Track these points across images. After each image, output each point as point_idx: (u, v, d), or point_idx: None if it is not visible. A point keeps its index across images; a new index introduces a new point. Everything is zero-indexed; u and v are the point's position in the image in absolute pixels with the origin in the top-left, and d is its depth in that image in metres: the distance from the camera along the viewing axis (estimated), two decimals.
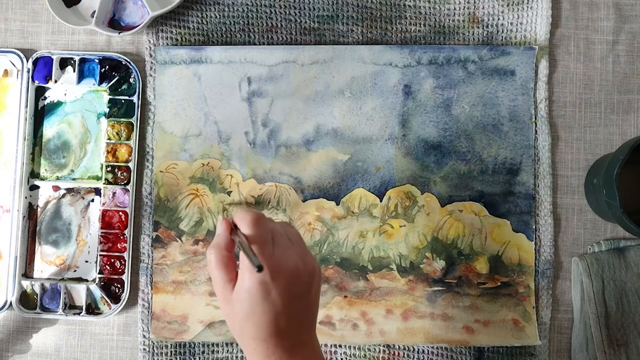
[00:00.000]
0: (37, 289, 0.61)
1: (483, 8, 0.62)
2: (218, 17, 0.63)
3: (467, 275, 0.60)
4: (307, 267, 0.44)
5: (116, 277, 0.61)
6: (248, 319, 0.43)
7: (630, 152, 0.53)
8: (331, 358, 0.61)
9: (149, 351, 0.61)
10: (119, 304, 0.60)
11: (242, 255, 0.43)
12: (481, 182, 0.61)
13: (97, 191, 0.62)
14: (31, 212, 0.62)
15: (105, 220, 0.61)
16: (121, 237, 0.61)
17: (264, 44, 0.63)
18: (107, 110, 0.62)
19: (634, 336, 0.58)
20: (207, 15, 0.63)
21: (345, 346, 0.61)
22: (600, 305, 0.58)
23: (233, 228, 0.46)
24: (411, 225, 0.61)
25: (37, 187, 0.62)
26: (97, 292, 0.61)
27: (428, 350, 0.60)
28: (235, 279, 0.44)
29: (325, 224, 0.61)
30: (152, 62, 0.62)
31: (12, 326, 0.62)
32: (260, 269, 0.41)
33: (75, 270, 0.62)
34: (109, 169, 0.61)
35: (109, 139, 0.62)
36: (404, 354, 0.60)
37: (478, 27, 0.62)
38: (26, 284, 0.61)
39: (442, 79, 0.61)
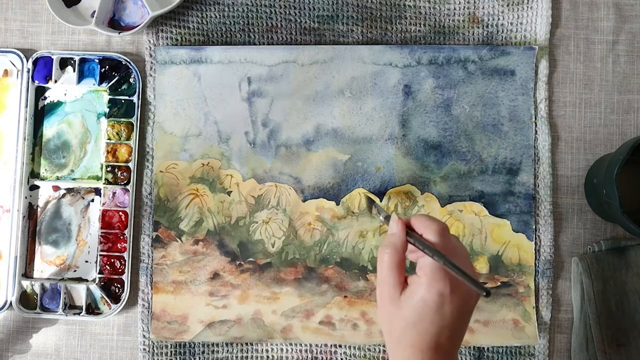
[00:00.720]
0: (37, 289, 0.61)
1: (483, 8, 0.62)
2: (218, 17, 0.63)
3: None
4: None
5: (116, 277, 0.61)
6: (414, 326, 0.43)
7: (630, 152, 0.53)
8: (331, 358, 0.61)
9: (149, 351, 0.61)
10: (119, 304, 0.60)
11: (423, 261, 0.43)
12: (481, 182, 0.61)
13: (97, 191, 0.62)
14: (31, 212, 0.62)
15: (105, 220, 0.61)
16: (121, 237, 0.61)
17: (264, 44, 0.63)
18: (107, 110, 0.62)
19: (634, 336, 0.58)
20: (207, 15, 0.63)
21: (345, 346, 0.61)
22: (600, 305, 0.58)
23: (408, 230, 0.45)
24: None
25: (37, 187, 0.62)
26: (97, 292, 0.61)
27: None
28: (404, 283, 0.44)
29: (325, 224, 0.61)
30: (152, 62, 0.62)
31: (12, 326, 0.62)
32: (488, 294, 0.40)
33: (75, 270, 0.62)
34: (109, 169, 0.61)
35: (109, 139, 0.62)
36: None
37: (478, 27, 0.62)
38: (26, 284, 0.61)
39: (442, 79, 0.61)
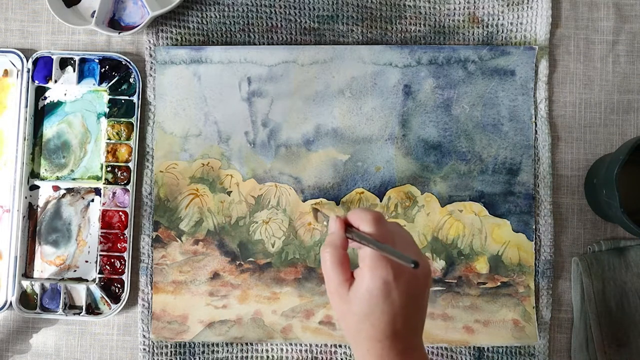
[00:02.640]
0: (37, 289, 0.61)
1: (483, 8, 0.62)
2: (218, 17, 0.63)
3: (467, 275, 0.60)
4: (423, 268, 0.44)
5: (116, 277, 0.61)
6: (366, 318, 0.43)
7: (630, 152, 0.53)
8: (331, 358, 0.61)
9: (149, 351, 0.61)
10: (119, 304, 0.60)
11: (363, 253, 0.43)
12: (481, 182, 0.61)
13: (97, 191, 0.62)
14: (31, 212, 0.62)
15: (105, 220, 0.61)
16: (121, 237, 0.61)
17: (264, 44, 0.63)
18: (107, 110, 0.62)
19: (634, 336, 0.58)
20: (207, 15, 0.63)
21: (345, 346, 0.61)
22: (600, 305, 0.58)
23: (347, 227, 0.45)
24: (411, 225, 0.61)
25: (37, 187, 0.62)
26: (97, 292, 0.61)
27: (428, 350, 0.60)
28: (351, 279, 0.44)
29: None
30: (152, 62, 0.62)
31: (12, 326, 0.62)
32: (416, 265, 0.40)
33: (75, 270, 0.62)
34: (109, 169, 0.61)
35: (109, 139, 0.62)
36: None
37: (478, 27, 0.62)
38: (26, 284, 0.61)
39: (442, 79, 0.61)
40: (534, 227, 0.61)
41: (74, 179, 0.63)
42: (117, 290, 0.61)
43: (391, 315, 0.42)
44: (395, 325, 0.43)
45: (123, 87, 0.62)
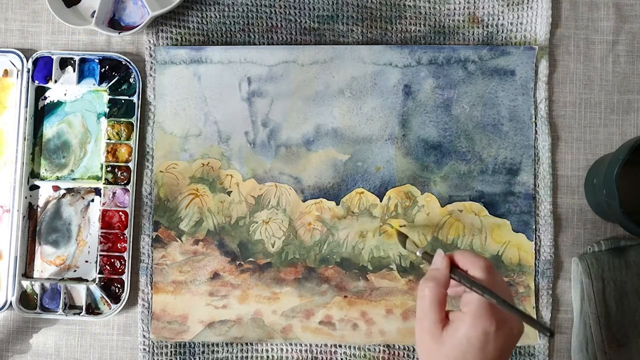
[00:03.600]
0: (37, 289, 0.61)
1: (483, 8, 0.62)
2: (218, 17, 0.63)
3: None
4: (519, 325, 0.43)
5: (116, 277, 0.61)
6: None
7: (630, 152, 0.53)
8: (331, 358, 0.61)
9: (149, 351, 0.61)
10: (119, 304, 0.60)
11: (467, 297, 0.42)
12: (481, 182, 0.61)
13: (97, 191, 0.62)
14: (31, 212, 0.62)
15: (105, 220, 0.61)
16: (121, 237, 0.61)
17: (264, 44, 0.63)
18: (107, 110, 0.62)
19: (634, 336, 0.58)
20: (207, 15, 0.63)
21: (345, 346, 0.61)
22: (600, 305, 0.58)
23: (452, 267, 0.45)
24: (411, 225, 0.61)
25: (37, 187, 0.62)
26: (97, 292, 0.61)
27: None
28: (445, 319, 0.43)
29: (325, 224, 0.61)
30: (152, 62, 0.62)
31: (12, 326, 0.62)
32: (552, 334, 0.40)
33: (75, 270, 0.62)
34: (109, 169, 0.61)
35: (109, 139, 0.62)
36: (404, 354, 0.60)
37: (478, 27, 0.62)
38: (26, 284, 0.61)
39: (442, 79, 0.61)
40: (534, 227, 0.61)
41: (74, 179, 0.63)
42: (117, 290, 0.61)
43: None
44: None
45: (123, 87, 0.62)
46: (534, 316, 0.60)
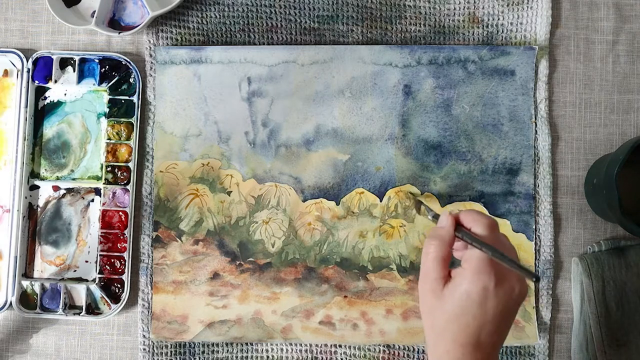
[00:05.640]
0: (37, 289, 0.61)
1: (483, 8, 0.62)
2: (218, 17, 0.63)
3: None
4: (522, 286, 0.44)
5: (116, 277, 0.61)
6: (456, 319, 0.43)
7: (630, 152, 0.53)
8: (331, 358, 0.61)
9: (149, 351, 0.61)
10: (119, 304, 0.60)
11: (468, 254, 0.43)
12: (481, 182, 0.61)
13: (97, 191, 0.62)
14: (31, 212, 0.62)
15: (105, 220, 0.61)
16: (121, 237, 0.61)
17: (264, 44, 0.63)
18: (107, 110, 0.62)
19: (634, 336, 0.58)
20: (207, 15, 0.63)
21: (345, 346, 0.61)
22: (600, 305, 0.58)
23: (457, 225, 0.46)
24: (411, 225, 0.61)
25: (37, 187, 0.62)
26: (97, 292, 0.61)
27: None
28: (447, 277, 0.44)
29: (325, 224, 0.61)
30: (152, 62, 0.62)
31: (12, 326, 0.62)
32: (538, 279, 0.40)
33: (75, 270, 0.62)
34: (109, 169, 0.61)
35: (109, 139, 0.62)
36: (404, 354, 0.60)
37: (478, 27, 0.62)
38: (26, 284, 0.61)
39: (442, 79, 0.61)
40: (534, 227, 0.61)
41: (74, 179, 0.63)
42: (117, 290, 0.61)
43: (481, 322, 0.42)
44: (481, 333, 0.42)
45: (123, 87, 0.62)
46: (534, 317, 0.60)
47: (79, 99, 0.63)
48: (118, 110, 0.62)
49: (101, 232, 0.61)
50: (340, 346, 0.61)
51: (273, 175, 0.61)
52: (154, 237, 0.61)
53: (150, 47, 0.62)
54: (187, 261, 0.61)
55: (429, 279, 0.44)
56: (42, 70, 0.62)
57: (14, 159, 0.62)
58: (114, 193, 0.61)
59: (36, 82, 0.62)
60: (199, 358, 0.61)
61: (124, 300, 0.60)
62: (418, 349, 0.60)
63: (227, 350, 0.61)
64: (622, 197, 0.53)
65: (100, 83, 0.62)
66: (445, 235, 0.45)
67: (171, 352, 0.61)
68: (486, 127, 0.61)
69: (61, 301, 0.61)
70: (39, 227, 0.62)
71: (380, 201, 0.61)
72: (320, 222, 0.61)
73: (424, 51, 0.61)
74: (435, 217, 0.51)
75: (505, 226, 0.60)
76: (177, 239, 0.61)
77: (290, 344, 0.61)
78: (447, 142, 0.61)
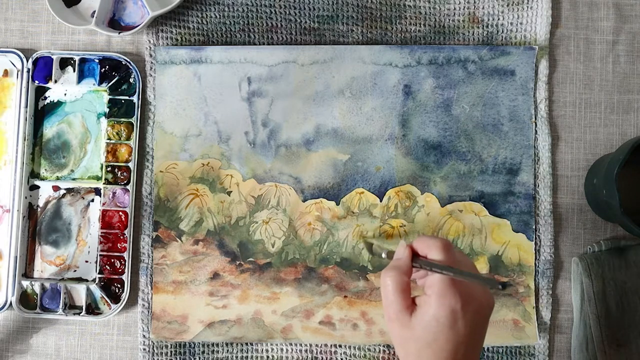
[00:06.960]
0: (37, 289, 0.61)
1: (483, 8, 0.62)
2: (218, 17, 0.63)
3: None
4: (488, 298, 0.44)
5: (116, 277, 0.61)
6: (429, 346, 0.42)
7: (630, 152, 0.53)
8: (331, 358, 0.61)
9: (149, 351, 0.61)
10: (119, 304, 0.60)
11: (430, 280, 0.43)
12: (481, 182, 0.61)
13: (97, 191, 0.62)
14: (31, 212, 0.62)
15: (105, 220, 0.61)
16: (121, 237, 0.61)
17: (264, 44, 0.63)
18: (107, 110, 0.62)
19: (634, 336, 0.58)
20: (207, 15, 0.63)
21: (345, 346, 0.61)
22: (600, 305, 0.58)
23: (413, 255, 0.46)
24: (411, 225, 0.61)
25: (37, 187, 0.62)
26: (97, 292, 0.61)
27: None
28: (412, 305, 0.44)
29: (325, 224, 0.61)
30: (152, 62, 0.62)
31: (12, 326, 0.62)
32: (504, 286, 0.40)
33: (75, 270, 0.62)
34: (109, 169, 0.61)
35: (109, 139, 0.62)
36: None
37: (478, 27, 0.62)
38: (26, 284, 0.61)
39: (442, 79, 0.61)
40: (534, 227, 0.61)
41: (74, 179, 0.63)
42: (117, 290, 0.61)
43: (455, 343, 0.42)
44: (457, 354, 0.42)
45: (123, 87, 0.62)
46: (534, 317, 0.60)
47: (79, 99, 0.63)
48: (118, 110, 0.62)
49: (101, 232, 0.61)
50: (340, 346, 0.61)
51: (273, 175, 0.61)
52: (154, 237, 0.61)
53: (150, 47, 0.62)
54: (187, 261, 0.61)
55: (392, 310, 0.44)
56: (42, 70, 0.62)
57: (14, 159, 0.62)
58: (114, 193, 0.61)
59: (36, 82, 0.62)
60: (199, 358, 0.61)
61: (124, 300, 0.60)
62: None
63: (227, 350, 0.61)
64: (622, 197, 0.53)
65: (100, 83, 0.62)
66: (402, 265, 0.45)
67: (171, 352, 0.61)
68: (486, 127, 0.61)
69: (61, 301, 0.61)
70: (39, 227, 0.62)
71: (380, 201, 0.61)
72: (320, 222, 0.61)
73: (424, 51, 0.61)
74: (389, 254, 0.50)
75: (505, 226, 0.60)
76: (177, 239, 0.61)
77: (290, 344, 0.61)
78: (447, 142, 0.61)
